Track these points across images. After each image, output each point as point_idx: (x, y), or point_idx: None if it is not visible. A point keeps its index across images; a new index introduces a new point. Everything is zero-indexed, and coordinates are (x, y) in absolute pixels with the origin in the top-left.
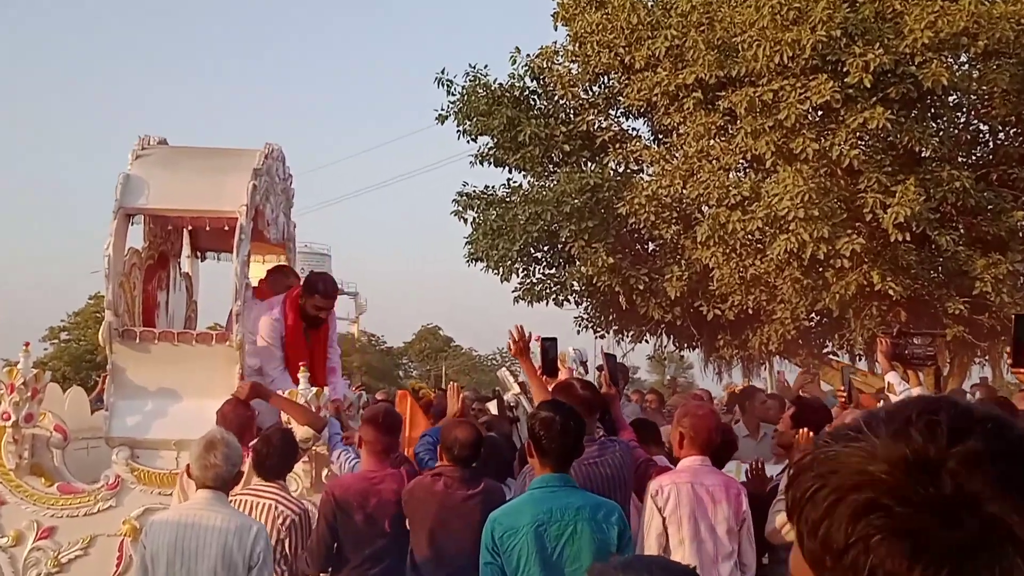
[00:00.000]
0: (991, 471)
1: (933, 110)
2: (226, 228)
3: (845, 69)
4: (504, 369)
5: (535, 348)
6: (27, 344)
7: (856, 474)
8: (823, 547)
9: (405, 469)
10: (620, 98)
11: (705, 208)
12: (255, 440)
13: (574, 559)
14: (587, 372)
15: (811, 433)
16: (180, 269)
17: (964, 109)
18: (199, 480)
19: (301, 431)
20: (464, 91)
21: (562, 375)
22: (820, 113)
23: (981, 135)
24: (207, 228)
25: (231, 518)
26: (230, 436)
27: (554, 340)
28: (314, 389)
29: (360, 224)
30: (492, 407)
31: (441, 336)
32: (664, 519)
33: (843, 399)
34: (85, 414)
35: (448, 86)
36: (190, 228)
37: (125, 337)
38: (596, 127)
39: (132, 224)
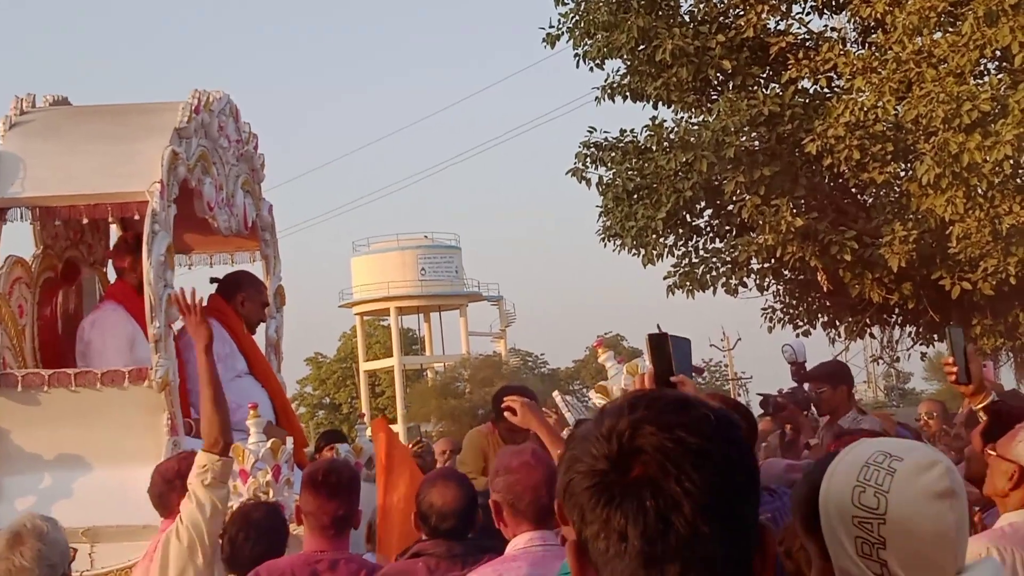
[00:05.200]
0: (647, 425)
1: None
2: (137, 217)
3: None
4: (557, 393)
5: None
6: None
7: (577, 443)
8: (561, 499)
9: None
10: None
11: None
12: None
13: None
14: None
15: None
16: (104, 283)
17: None
18: None
19: None
20: None
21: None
22: None
23: None
24: (108, 220)
25: None
26: (49, 524)
27: (665, 335)
28: (270, 442)
29: (482, 200)
30: None
31: (626, 349)
32: None
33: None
34: None
35: None
36: (112, 222)
37: (2, 384)
38: (768, 31)
39: (6, 222)
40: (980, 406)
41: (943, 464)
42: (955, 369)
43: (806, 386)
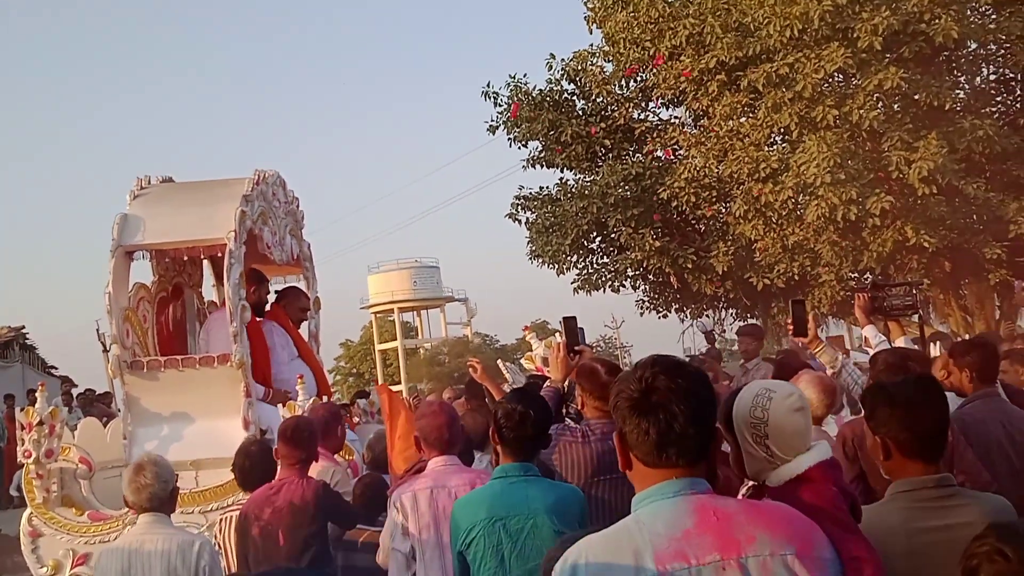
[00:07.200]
0: (661, 375)
1: (953, 64)
2: (219, 255)
3: (855, 35)
4: (500, 360)
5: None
6: (42, 384)
7: (621, 381)
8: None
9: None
10: (654, 90)
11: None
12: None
13: (537, 553)
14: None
15: None
16: (200, 299)
17: (987, 60)
18: (136, 505)
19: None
20: (508, 101)
21: (585, 355)
22: (837, 80)
23: (1010, 84)
24: (202, 257)
25: (172, 538)
26: (158, 456)
27: (574, 318)
28: (311, 400)
29: (453, 235)
30: None
31: (548, 330)
32: (408, 533)
33: (791, 329)
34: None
35: (495, 98)
36: (204, 258)
37: (133, 368)
38: (633, 120)
39: (134, 260)
40: (816, 350)
41: (798, 393)
42: (792, 327)
43: (731, 346)
